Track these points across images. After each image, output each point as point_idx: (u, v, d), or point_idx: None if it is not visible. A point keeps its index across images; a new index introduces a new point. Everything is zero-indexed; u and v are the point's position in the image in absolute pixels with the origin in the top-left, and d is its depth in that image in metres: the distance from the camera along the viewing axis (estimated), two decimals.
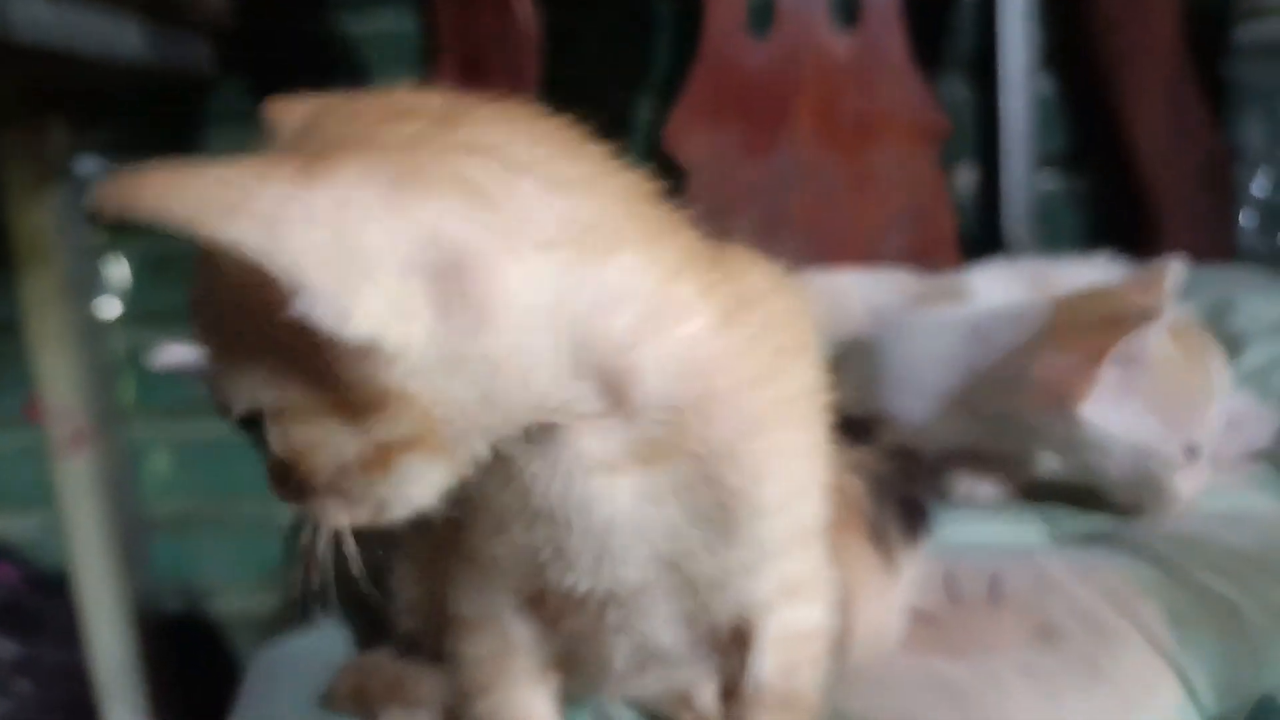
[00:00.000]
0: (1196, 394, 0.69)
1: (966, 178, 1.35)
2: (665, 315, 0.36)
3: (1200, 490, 0.71)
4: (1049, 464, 0.77)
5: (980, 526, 0.73)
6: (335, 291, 0.30)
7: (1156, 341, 0.66)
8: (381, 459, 0.33)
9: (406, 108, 0.35)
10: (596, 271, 0.35)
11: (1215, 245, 1.18)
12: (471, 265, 0.32)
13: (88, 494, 1.24)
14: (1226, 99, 1.31)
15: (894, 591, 0.58)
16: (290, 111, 0.38)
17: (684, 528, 0.39)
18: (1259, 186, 1.29)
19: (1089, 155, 1.34)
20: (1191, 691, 0.53)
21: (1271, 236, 1.29)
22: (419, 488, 0.34)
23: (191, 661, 1.38)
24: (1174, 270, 0.66)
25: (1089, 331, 0.68)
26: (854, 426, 0.62)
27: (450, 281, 0.32)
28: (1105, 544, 0.67)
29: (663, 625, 0.43)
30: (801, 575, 0.45)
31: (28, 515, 1.41)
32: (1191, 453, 0.69)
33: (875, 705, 0.53)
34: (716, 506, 0.39)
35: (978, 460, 0.78)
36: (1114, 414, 0.68)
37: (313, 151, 0.33)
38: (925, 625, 0.59)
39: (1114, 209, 1.30)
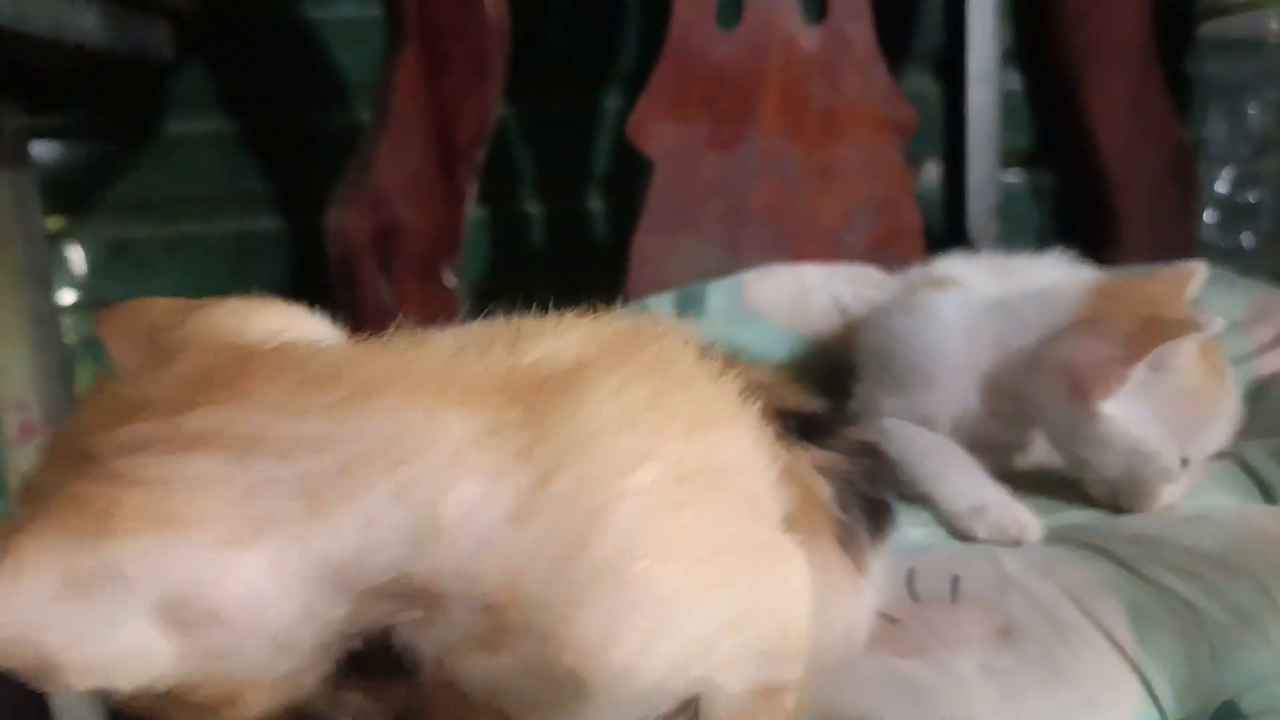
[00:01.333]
0: (1207, 409, 0.71)
1: (931, 172, 1.35)
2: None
3: (1179, 497, 0.72)
4: (1038, 453, 0.78)
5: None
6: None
7: (1187, 353, 0.67)
8: None
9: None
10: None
11: (1177, 241, 1.18)
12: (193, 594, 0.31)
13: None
14: (1190, 95, 1.32)
15: (863, 594, 0.57)
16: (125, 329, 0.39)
17: None
18: (1222, 183, 1.30)
19: (1052, 151, 1.34)
20: (1152, 692, 0.52)
21: (1233, 233, 1.30)
22: None
23: None
24: (1201, 272, 0.70)
25: (1132, 329, 0.68)
26: (816, 424, 0.62)
27: (177, 610, 0.31)
28: (1067, 542, 0.67)
29: None
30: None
31: None
32: (1185, 463, 0.70)
33: (832, 704, 0.52)
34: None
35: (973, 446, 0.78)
36: (1131, 414, 0.69)
37: None
38: (886, 624, 0.58)
39: (1077, 204, 1.30)
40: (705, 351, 0.47)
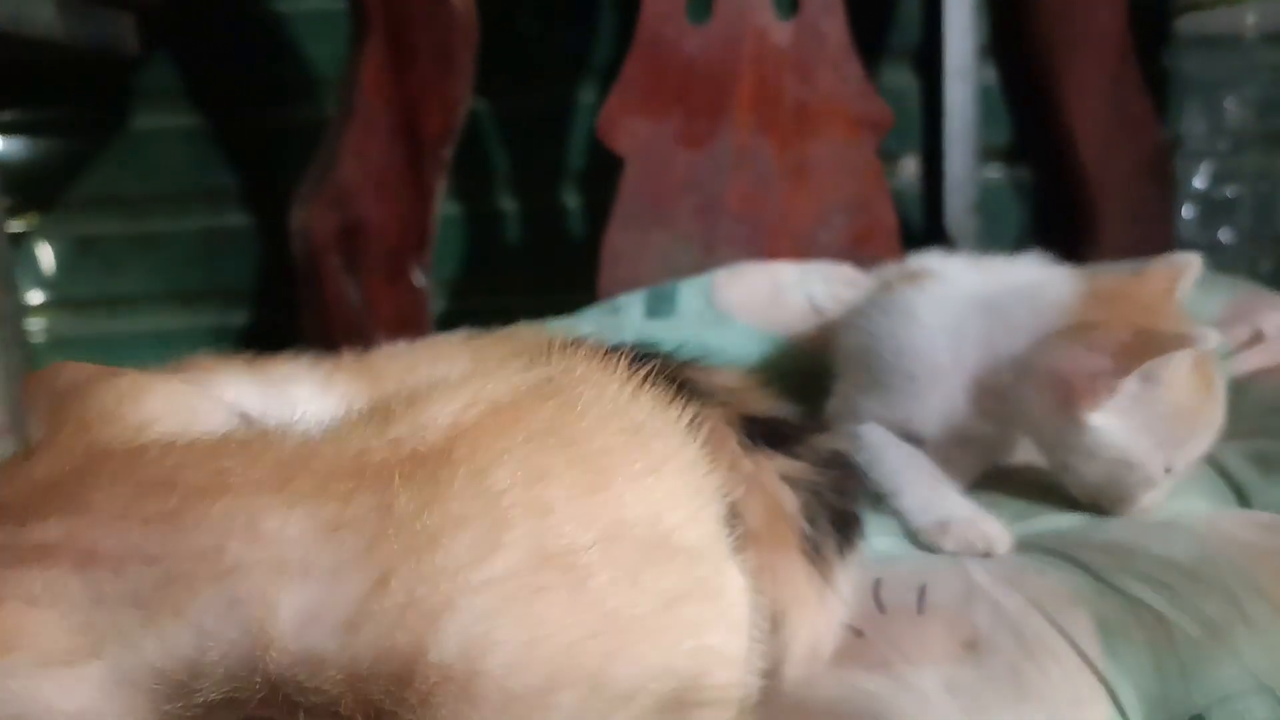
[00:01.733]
0: (1195, 421, 0.70)
1: (910, 168, 1.34)
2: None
3: (1159, 500, 0.71)
4: (1022, 451, 0.77)
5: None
6: None
7: (1178, 366, 0.66)
8: None
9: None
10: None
11: (1154, 238, 1.17)
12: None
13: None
14: (1167, 91, 1.31)
15: (830, 609, 0.56)
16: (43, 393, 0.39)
17: None
18: (1200, 179, 1.29)
19: (1030, 147, 1.33)
20: (1120, 707, 0.51)
21: (1211, 230, 1.29)
22: None
23: None
24: (1194, 267, 0.70)
25: (1123, 341, 0.66)
26: (783, 431, 0.60)
27: None
28: (1038, 551, 0.65)
29: None
30: None
31: None
32: (1168, 472, 0.69)
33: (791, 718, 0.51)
34: None
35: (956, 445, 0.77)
36: (1118, 425, 0.68)
37: None
38: (850, 636, 0.57)
39: (1054, 201, 1.29)
40: (645, 377, 0.45)
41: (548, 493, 0.35)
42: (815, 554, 0.55)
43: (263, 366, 0.63)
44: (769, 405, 0.64)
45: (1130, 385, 0.66)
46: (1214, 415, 0.71)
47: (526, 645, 0.33)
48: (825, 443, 0.62)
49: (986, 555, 0.66)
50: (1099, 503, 0.72)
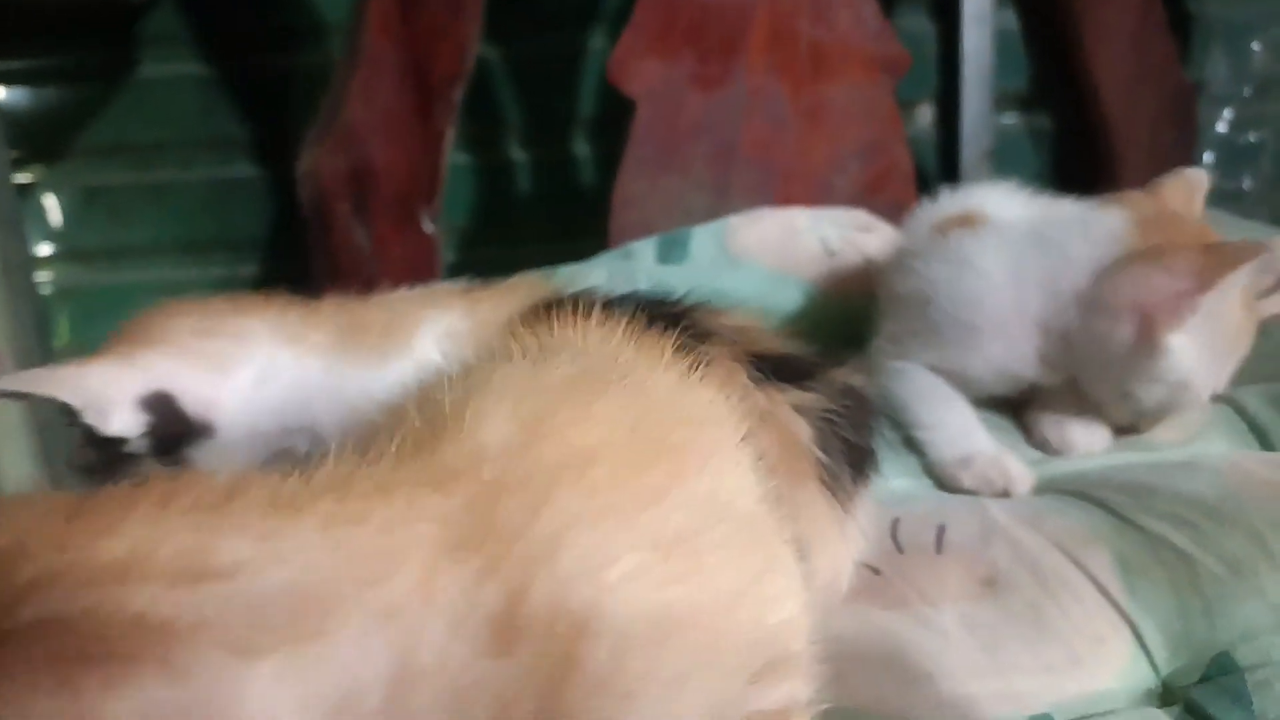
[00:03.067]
0: (1242, 340, 0.71)
1: (926, 115, 1.32)
2: None
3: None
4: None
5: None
6: None
7: (1241, 281, 0.66)
8: None
9: None
10: None
11: None
12: None
13: (16, 438, 1.19)
14: (1191, 34, 1.28)
15: (850, 539, 0.55)
16: None
17: None
18: (1222, 124, 1.27)
19: (1048, 92, 1.31)
20: (1143, 646, 0.51)
21: (1233, 176, 1.27)
22: None
23: None
24: (1204, 180, 0.72)
25: (1200, 259, 0.66)
26: (795, 367, 0.59)
27: None
28: (1058, 491, 0.65)
29: None
30: None
31: None
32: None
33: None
34: None
35: (1065, 402, 0.75)
36: (1190, 345, 0.67)
37: None
38: (868, 575, 0.56)
39: (1073, 148, 1.27)
40: (672, 340, 0.44)
41: (648, 482, 0.34)
42: (832, 484, 0.54)
43: (220, 315, 0.62)
44: (779, 343, 0.63)
45: (1210, 302, 0.66)
46: (1251, 335, 0.72)
47: (662, 639, 0.32)
48: (839, 377, 0.61)
49: (1005, 494, 0.65)
50: (1139, 423, 0.73)
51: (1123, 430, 0.74)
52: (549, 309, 0.53)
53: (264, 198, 1.34)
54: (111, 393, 0.57)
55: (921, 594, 0.54)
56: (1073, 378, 0.74)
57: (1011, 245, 0.75)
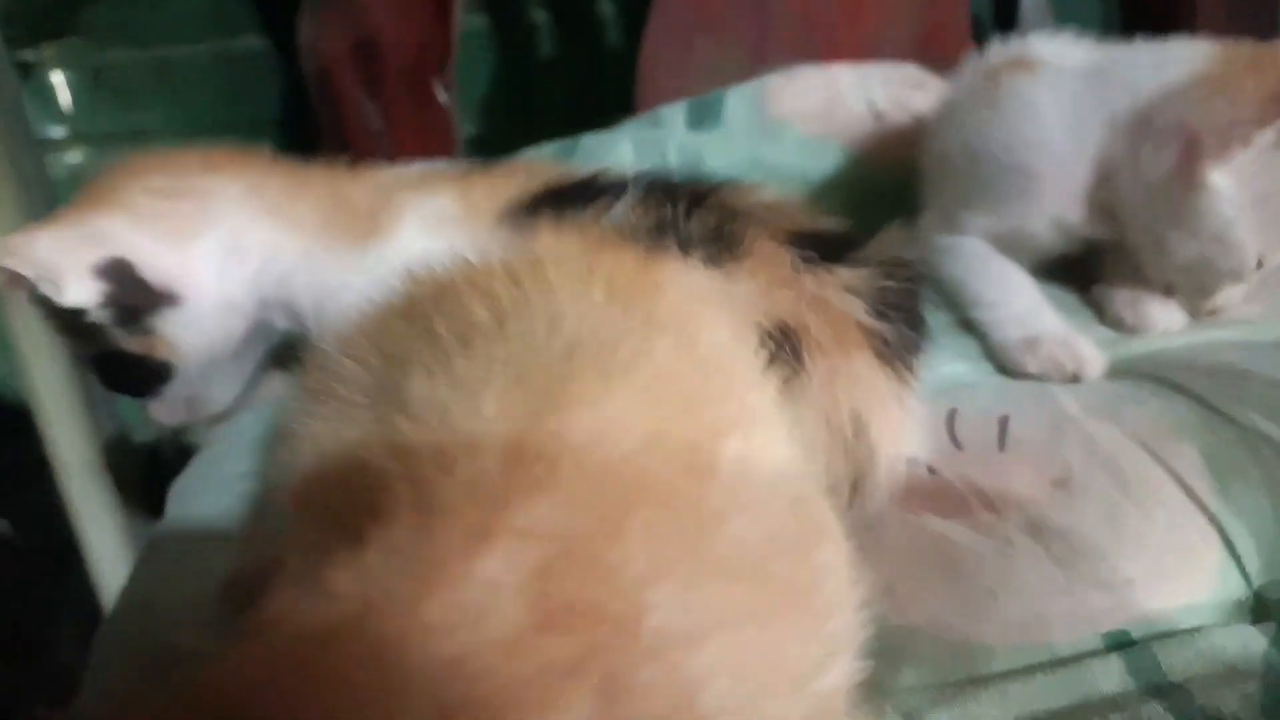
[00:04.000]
0: None
1: None
2: None
3: (1235, 301, 0.65)
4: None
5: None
6: None
7: None
8: None
9: None
10: None
11: (1254, 28, 1.05)
12: None
13: (37, 328, 1.16)
14: None
15: (911, 411, 0.51)
16: None
17: None
18: None
19: None
20: (1234, 554, 0.45)
21: None
22: None
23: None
24: None
25: (1265, 87, 0.58)
26: (839, 244, 0.54)
27: None
28: (1136, 376, 0.58)
29: None
30: None
31: None
32: (1256, 269, 0.62)
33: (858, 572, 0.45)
34: None
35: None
36: (1233, 191, 0.59)
37: None
38: (923, 475, 0.51)
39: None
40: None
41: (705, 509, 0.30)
42: (889, 355, 0.51)
43: (187, 173, 0.58)
44: (819, 220, 0.59)
45: (1265, 139, 0.58)
46: None
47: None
48: (885, 250, 0.56)
49: (1075, 379, 0.59)
50: (1177, 292, 0.66)
51: None
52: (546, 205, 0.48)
53: (275, 74, 1.27)
54: (64, 261, 0.54)
55: (983, 498, 0.49)
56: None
57: (1072, 84, 0.68)
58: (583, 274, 0.37)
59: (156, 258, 0.56)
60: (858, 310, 0.51)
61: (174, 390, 0.60)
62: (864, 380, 0.49)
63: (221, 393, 0.62)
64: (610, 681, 0.25)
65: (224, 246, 0.58)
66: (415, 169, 0.66)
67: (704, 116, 0.89)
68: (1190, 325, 0.66)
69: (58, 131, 1.31)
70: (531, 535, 0.26)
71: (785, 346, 0.47)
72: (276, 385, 0.65)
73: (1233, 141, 0.58)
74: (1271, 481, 0.47)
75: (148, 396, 0.60)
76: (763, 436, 0.34)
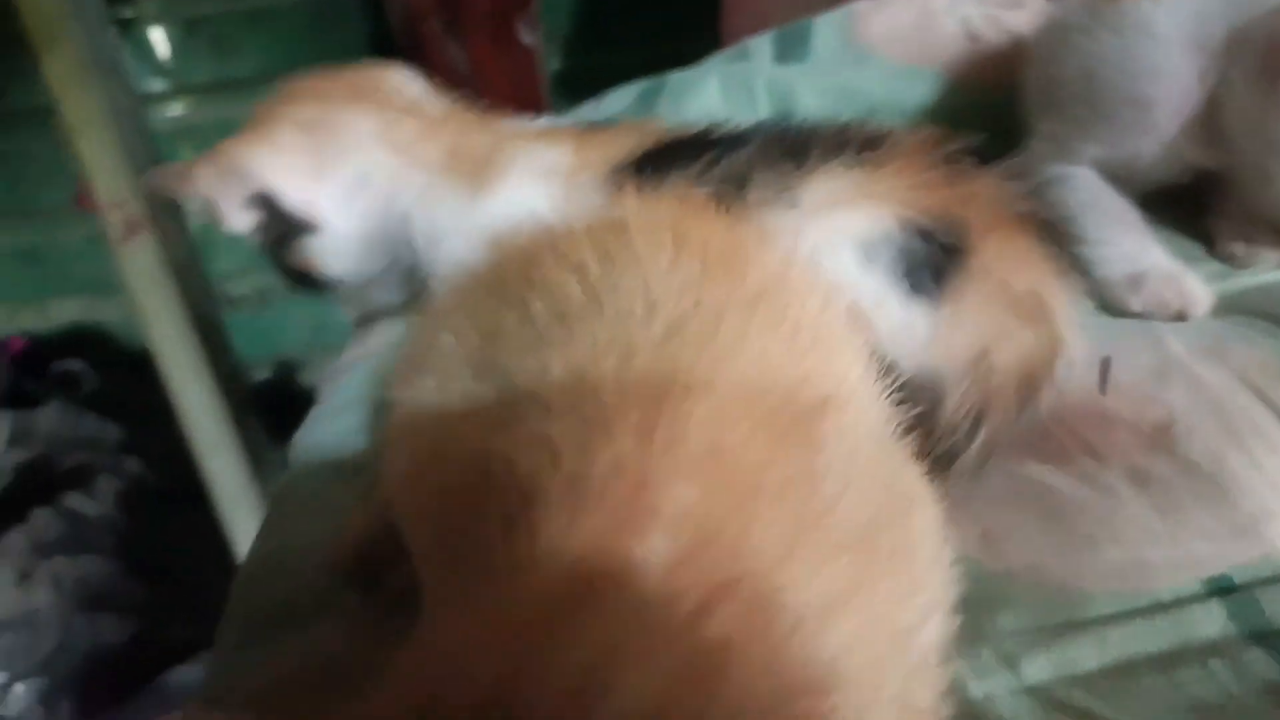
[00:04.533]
0: None
1: None
2: None
3: None
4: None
5: None
6: None
7: None
8: None
9: None
10: None
11: None
12: None
13: (154, 280, 1.20)
14: None
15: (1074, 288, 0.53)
16: None
17: None
18: None
19: None
20: None
21: None
22: None
23: (288, 429, 1.39)
24: None
25: None
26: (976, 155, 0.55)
27: None
28: (1246, 314, 0.56)
29: None
30: None
31: (111, 298, 1.41)
32: None
33: (955, 520, 0.45)
34: None
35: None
36: None
37: None
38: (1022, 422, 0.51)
39: None
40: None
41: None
42: (1045, 234, 0.52)
43: (334, 105, 0.62)
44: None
45: None
46: None
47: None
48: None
49: (1181, 318, 0.57)
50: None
51: None
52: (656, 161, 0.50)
53: (364, 20, 1.28)
54: (221, 195, 0.61)
55: (1084, 443, 0.48)
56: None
57: (1190, 4, 0.64)
58: (673, 244, 0.38)
59: (294, 191, 0.61)
60: (1016, 200, 0.51)
61: (343, 294, 0.66)
62: (1034, 263, 0.50)
63: (385, 296, 0.67)
64: (757, 659, 0.26)
65: (352, 181, 0.61)
66: (540, 123, 0.68)
67: (792, 47, 0.87)
68: None
69: (157, 85, 1.34)
70: (675, 519, 0.27)
71: (945, 235, 0.48)
72: (385, 335, 0.67)
73: None
74: None
75: (322, 295, 0.66)
76: (857, 406, 0.35)
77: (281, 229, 0.61)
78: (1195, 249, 0.66)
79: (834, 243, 0.48)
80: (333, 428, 0.60)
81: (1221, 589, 0.42)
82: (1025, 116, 0.75)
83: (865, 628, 0.29)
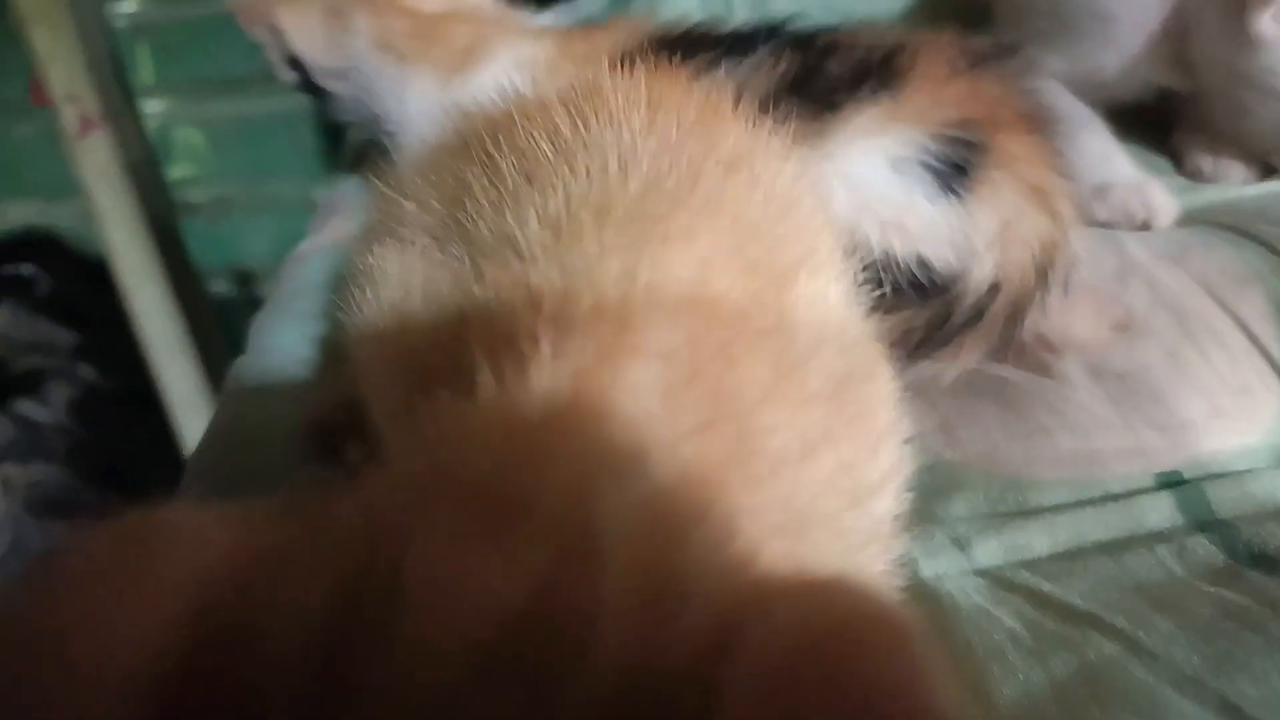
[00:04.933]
0: None
1: None
2: None
3: None
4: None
5: None
6: None
7: None
8: None
9: None
10: None
11: None
12: None
13: (109, 179, 1.18)
14: None
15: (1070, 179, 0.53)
16: None
17: None
18: None
19: None
20: None
21: None
22: None
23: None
24: None
25: None
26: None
27: None
28: (1207, 224, 0.57)
29: None
30: None
31: (65, 203, 1.38)
32: None
33: (914, 409, 0.46)
34: None
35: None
36: None
37: None
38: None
39: None
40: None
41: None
42: (1045, 128, 0.52)
43: None
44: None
45: None
46: None
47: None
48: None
49: (1146, 227, 0.58)
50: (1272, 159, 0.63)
51: None
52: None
53: None
54: (272, 53, 0.69)
55: (1043, 341, 0.49)
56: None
57: None
58: (648, 108, 0.37)
59: (313, 59, 0.69)
60: (1023, 98, 0.52)
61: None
62: (1043, 157, 0.51)
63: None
64: (740, 494, 0.26)
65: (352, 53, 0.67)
66: (524, 19, 0.69)
67: None
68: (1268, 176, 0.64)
69: None
70: (659, 356, 0.27)
71: (968, 140, 0.48)
72: (343, 227, 0.67)
73: None
74: None
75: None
76: (825, 276, 0.35)
77: (314, 87, 0.70)
78: (1163, 163, 0.66)
79: (866, 161, 0.48)
80: (292, 308, 0.59)
81: (1171, 483, 0.43)
82: (994, 27, 0.74)
83: (835, 477, 0.29)
